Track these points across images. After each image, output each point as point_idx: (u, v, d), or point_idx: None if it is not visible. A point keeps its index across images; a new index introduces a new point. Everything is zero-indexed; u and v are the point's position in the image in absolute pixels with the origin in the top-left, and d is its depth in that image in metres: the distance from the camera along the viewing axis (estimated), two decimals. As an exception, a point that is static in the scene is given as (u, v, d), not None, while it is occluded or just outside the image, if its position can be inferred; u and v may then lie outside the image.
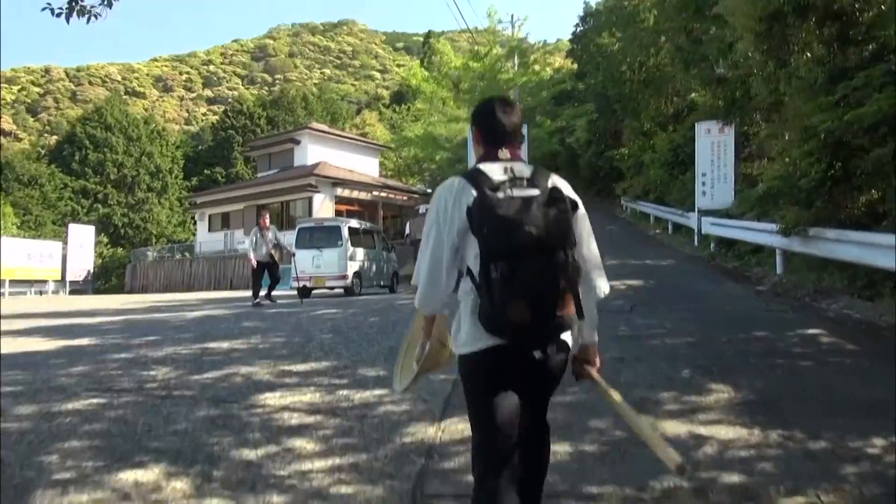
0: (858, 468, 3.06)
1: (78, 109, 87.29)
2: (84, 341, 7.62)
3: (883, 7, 8.59)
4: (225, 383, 4.93)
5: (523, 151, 2.37)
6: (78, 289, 32.51)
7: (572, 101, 38.07)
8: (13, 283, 29.06)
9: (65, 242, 33.40)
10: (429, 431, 3.71)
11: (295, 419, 3.98)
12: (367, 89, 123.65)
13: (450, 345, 2.22)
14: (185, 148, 61.94)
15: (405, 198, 35.00)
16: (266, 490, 2.95)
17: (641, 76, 27.15)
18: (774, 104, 11.62)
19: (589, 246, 2.07)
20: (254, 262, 12.39)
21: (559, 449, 3.31)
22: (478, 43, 32.59)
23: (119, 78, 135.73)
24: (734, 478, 2.99)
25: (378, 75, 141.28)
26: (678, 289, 10.05)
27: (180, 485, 3.00)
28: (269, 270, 12.67)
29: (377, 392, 4.51)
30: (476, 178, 1.96)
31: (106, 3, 5.64)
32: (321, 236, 16.05)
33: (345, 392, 4.57)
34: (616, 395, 1.98)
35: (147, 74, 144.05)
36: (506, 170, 1.98)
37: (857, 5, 9.03)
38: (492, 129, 2.12)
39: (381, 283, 18.10)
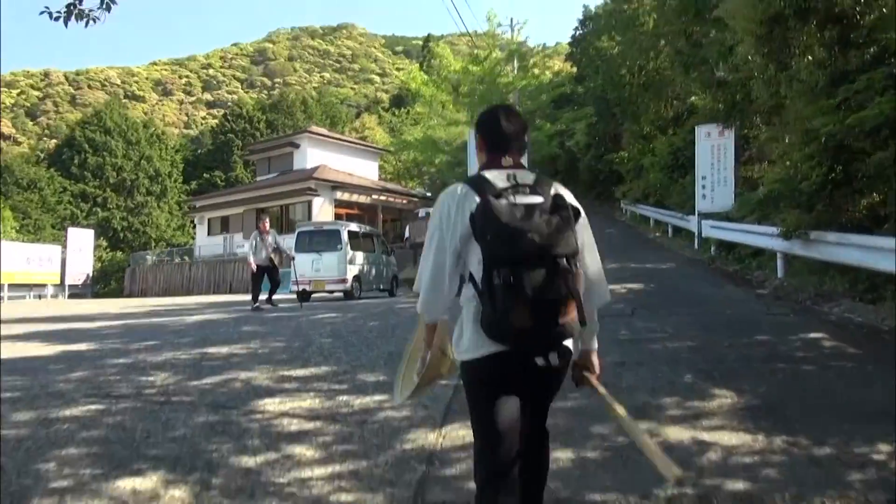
0: (864, 475, 3.03)
1: (77, 113, 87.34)
2: (83, 346, 7.59)
3: (884, 10, 8.58)
4: (224, 389, 4.90)
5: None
6: (77, 293, 32.46)
7: (572, 105, 38.13)
8: (12, 287, 29.00)
9: (64, 246, 33.34)
10: (430, 438, 3.68)
11: (294, 425, 3.95)
12: (366, 93, 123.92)
13: (450, 353, 2.22)
14: (185, 151, 61.98)
15: (405, 201, 34.99)
16: (265, 498, 2.92)
17: (641, 80, 27.17)
18: (775, 107, 11.61)
19: (591, 254, 2.10)
20: (253, 266, 12.36)
21: (561, 455, 3.28)
22: (477, 46, 32.66)
23: (118, 82, 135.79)
24: (738, 485, 2.95)
25: (377, 79, 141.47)
26: (678, 292, 10.02)
27: (178, 493, 2.97)
28: (269, 274, 12.64)
29: (377, 397, 4.48)
30: (479, 185, 1.98)
31: (104, 6, 5.62)
32: (321, 240, 16.03)
33: (345, 397, 4.54)
34: (620, 409, 1.96)
35: (146, 78, 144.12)
36: (509, 177, 2.00)
37: (858, 8, 9.03)
38: (495, 137, 2.14)
39: (381, 287, 18.07)
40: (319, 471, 3.23)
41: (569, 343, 2.02)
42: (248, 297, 13.12)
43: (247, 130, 55.85)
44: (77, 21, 5.57)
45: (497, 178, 2.00)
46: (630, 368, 5.06)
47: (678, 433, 3.62)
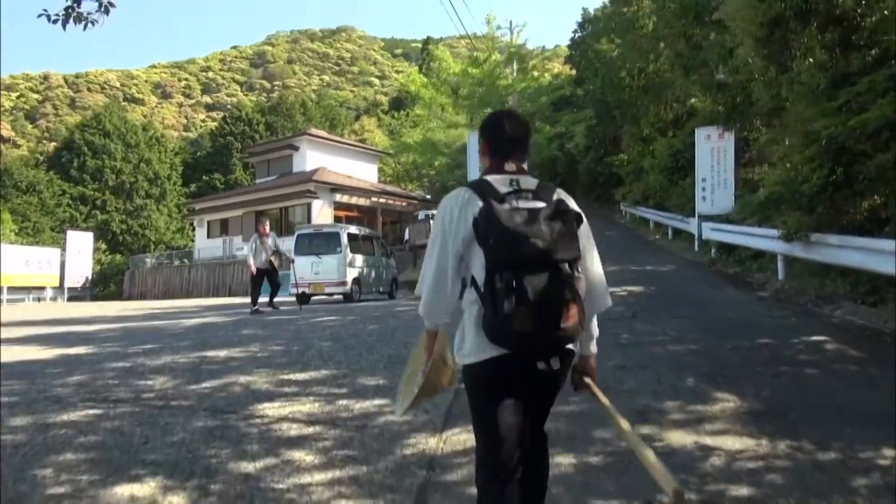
0: (869, 479, 3.01)
1: (76, 116, 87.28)
2: (81, 350, 7.56)
3: (886, 12, 8.57)
4: (223, 393, 4.87)
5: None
6: (76, 295, 32.43)
7: (571, 107, 38.08)
8: (11, 289, 29.01)
9: (63, 249, 33.35)
10: (430, 442, 3.65)
11: (294, 430, 3.92)
12: (365, 95, 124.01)
13: (451, 362, 2.22)
14: (184, 154, 62.01)
15: (404, 203, 34.99)
16: (264, 504, 2.89)
17: (641, 82, 27.10)
18: (775, 109, 11.60)
19: (592, 259, 2.13)
20: (253, 269, 12.32)
21: (563, 460, 3.25)
22: (476, 49, 32.63)
23: (118, 84, 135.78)
24: (742, 490, 2.93)
25: (377, 81, 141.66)
26: (679, 295, 9.99)
27: (177, 499, 2.93)
28: (269, 277, 12.61)
29: (377, 401, 4.44)
30: (482, 189, 2.00)
31: (103, 9, 5.59)
32: (320, 243, 15.99)
33: (344, 402, 4.50)
34: (624, 423, 1.93)
35: (146, 81, 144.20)
36: (511, 182, 2.03)
37: (859, 10, 9.02)
38: (499, 142, 2.17)
39: (381, 290, 18.04)
40: (319, 476, 3.20)
41: (571, 346, 2.02)
42: (248, 299, 13.09)
43: (246, 133, 55.84)
44: (75, 24, 5.55)
45: (500, 182, 2.02)
46: (632, 372, 5.03)
47: (681, 437, 3.59)
